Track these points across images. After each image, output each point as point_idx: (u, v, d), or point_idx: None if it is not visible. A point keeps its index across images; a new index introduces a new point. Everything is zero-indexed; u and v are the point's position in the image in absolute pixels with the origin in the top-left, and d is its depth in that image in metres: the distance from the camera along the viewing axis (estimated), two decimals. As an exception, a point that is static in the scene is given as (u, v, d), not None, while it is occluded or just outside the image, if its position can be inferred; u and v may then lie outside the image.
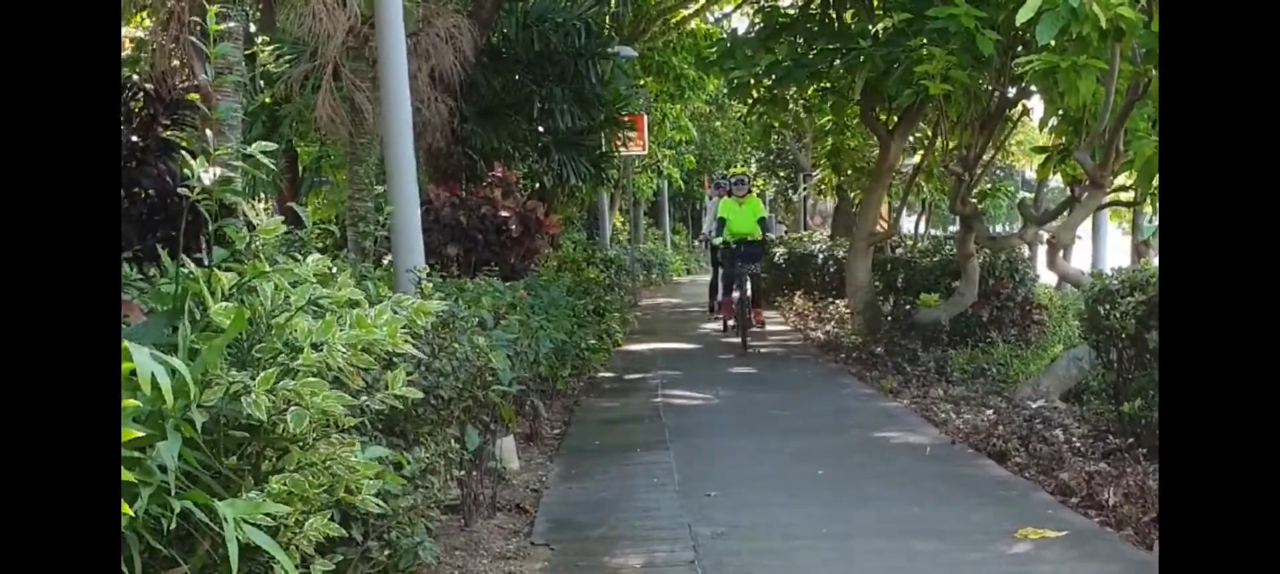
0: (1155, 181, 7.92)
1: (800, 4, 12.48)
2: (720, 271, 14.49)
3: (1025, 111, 12.79)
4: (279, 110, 11.68)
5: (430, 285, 5.35)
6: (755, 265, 12.82)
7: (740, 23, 18.96)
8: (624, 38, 15.21)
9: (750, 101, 13.45)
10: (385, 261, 7.66)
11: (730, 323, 13.41)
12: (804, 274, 17.41)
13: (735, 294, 12.80)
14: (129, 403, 2.20)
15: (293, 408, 2.71)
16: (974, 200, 10.98)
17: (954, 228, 14.60)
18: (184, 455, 2.43)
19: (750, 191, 13.70)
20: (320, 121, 8.70)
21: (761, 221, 12.94)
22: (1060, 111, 8.91)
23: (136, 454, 2.30)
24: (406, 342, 3.13)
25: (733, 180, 13.62)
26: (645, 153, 21.50)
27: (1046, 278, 13.03)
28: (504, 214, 9.02)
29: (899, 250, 13.69)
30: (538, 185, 12.84)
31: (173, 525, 2.32)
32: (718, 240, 13.00)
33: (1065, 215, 10.17)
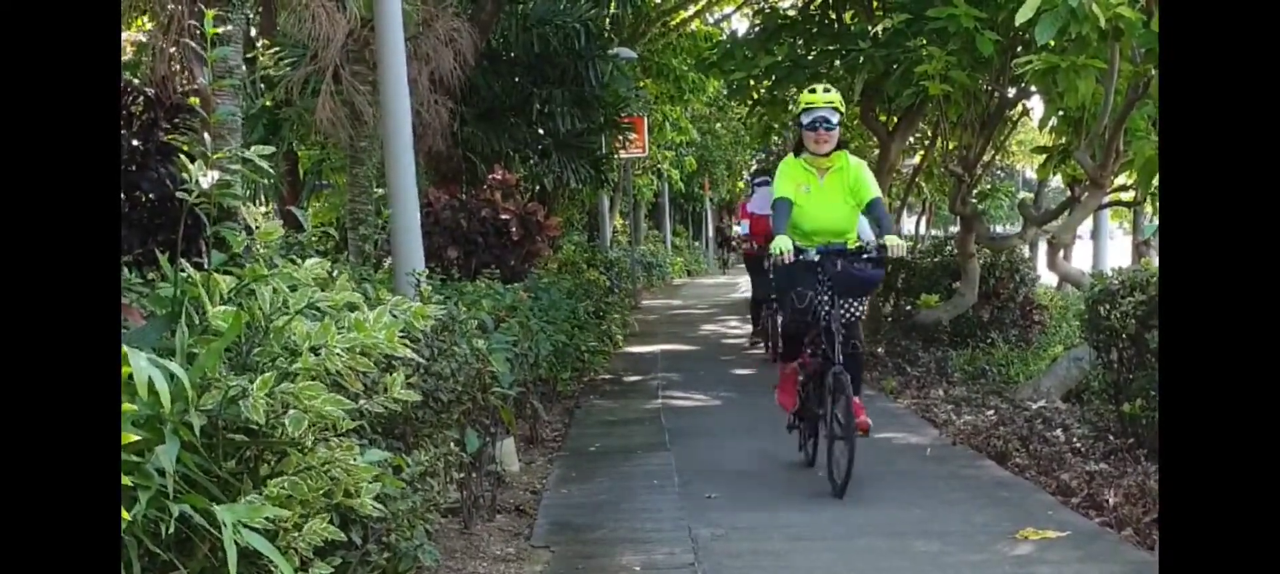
0: (1155, 181, 7.92)
1: (800, 5, 12.48)
2: (779, 312, 8.05)
3: (1025, 112, 12.79)
4: (279, 113, 11.69)
5: (429, 288, 5.35)
6: (860, 305, 6.11)
7: (740, 24, 19.00)
8: (624, 40, 15.22)
9: (750, 103, 13.44)
10: (386, 264, 7.67)
11: (800, 425, 6.47)
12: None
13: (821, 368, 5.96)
14: (126, 407, 2.20)
15: (291, 411, 2.71)
16: (974, 201, 10.98)
17: (954, 228, 14.60)
18: (182, 459, 2.43)
19: (843, 145, 6.21)
20: (321, 125, 8.71)
21: (873, 209, 6.03)
22: (1060, 112, 8.91)
23: (135, 458, 2.29)
24: (405, 345, 3.13)
25: (806, 120, 5.98)
26: (645, 154, 21.50)
27: (1047, 278, 13.05)
28: (504, 216, 9.03)
29: (899, 251, 13.64)
30: (538, 187, 12.85)
31: (171, 529, 2.31)
32: (780, 248, 5.68)
33: (1065, 215, 10.17)
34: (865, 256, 5.95)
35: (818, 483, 6.05)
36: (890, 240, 5.81)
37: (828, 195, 6.04)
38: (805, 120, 6.02)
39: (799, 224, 5.98)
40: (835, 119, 6.00)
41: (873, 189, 6.04)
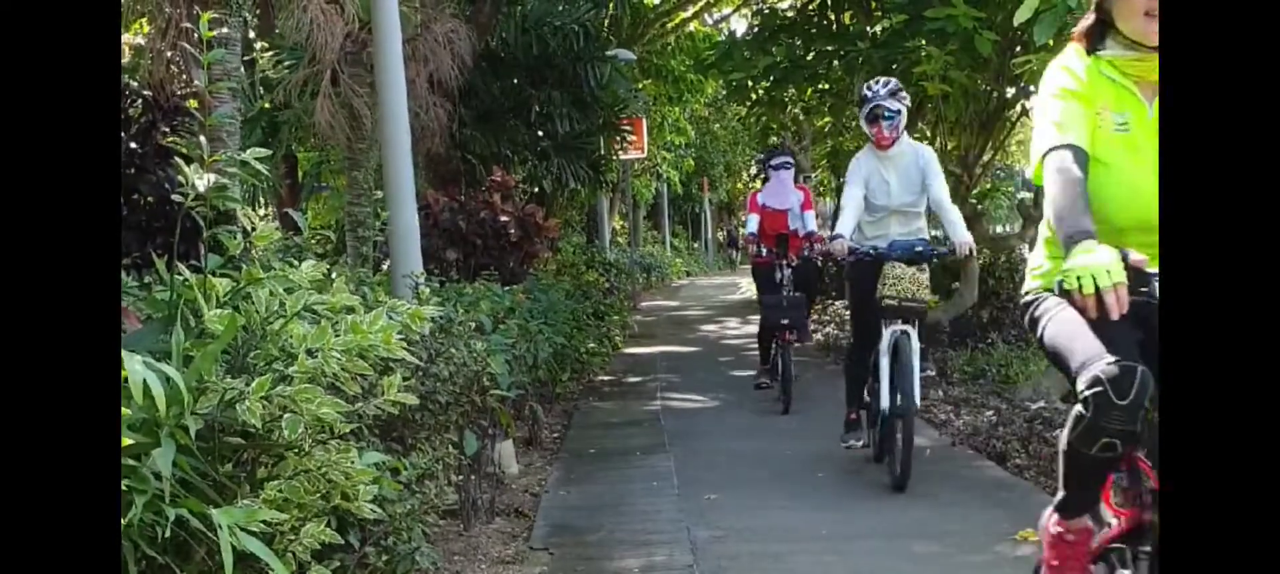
0: (1154, 181, 7.91)
1: (798, 6, 12.48)
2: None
3: (1025, 111, 12.78)
4: (278, 116, 11.71)
5: (427, 290, 5.35)
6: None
7: (738, 25, 19.00)
8: (622, 41, 15.24)
9: (749, 104, 13.42)
10: (384, 267, 7.66)
11: None
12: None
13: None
14: (122, 411, 2.20)
15: (288, 414, 2.70)
16: (974, 201, 10.97)
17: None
18: (179, 463, 2.42)
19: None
20: (319, 127, 8.71)
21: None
22: (1059, 112, 8.88)
23: (131, 462, 2.29)
24: (403, 347, 3.13)
25: None
26: (644, 155, 21.52)
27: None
28: (503, 218, 9.03)
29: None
30: (537, 189, 12.85)
31: (167, 533, 2.31)
32: (1088, 267, 2.25)
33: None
34: None
35: (818, 484, 6.03)
36: None
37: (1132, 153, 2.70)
38: None
39: (1105, 212, 2.63)
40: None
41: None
